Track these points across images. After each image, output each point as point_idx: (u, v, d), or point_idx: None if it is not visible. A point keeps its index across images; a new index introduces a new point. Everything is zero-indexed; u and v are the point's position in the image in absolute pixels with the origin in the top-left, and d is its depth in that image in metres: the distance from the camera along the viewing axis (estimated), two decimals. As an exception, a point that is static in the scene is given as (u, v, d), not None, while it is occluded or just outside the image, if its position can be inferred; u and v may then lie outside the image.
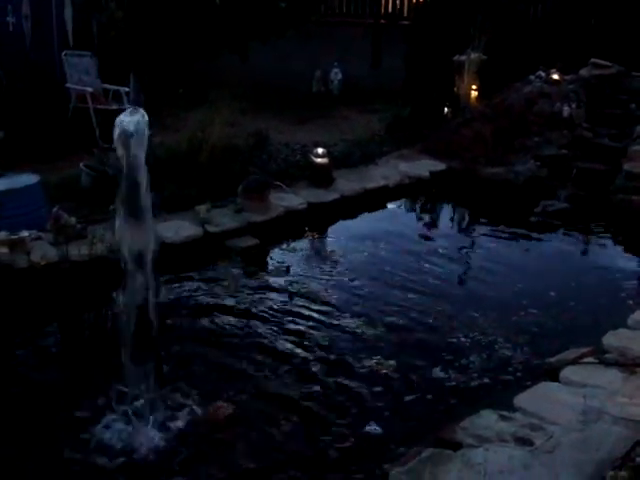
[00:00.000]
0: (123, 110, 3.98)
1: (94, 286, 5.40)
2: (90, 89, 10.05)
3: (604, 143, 10.34)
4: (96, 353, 4.88)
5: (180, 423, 4.29)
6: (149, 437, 4.14)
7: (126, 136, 3.72)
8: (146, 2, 10.20)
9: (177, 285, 6.32)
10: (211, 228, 7.11)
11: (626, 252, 7.92)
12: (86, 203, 7.18)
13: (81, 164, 7.86)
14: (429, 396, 4.74)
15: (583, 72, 11.81)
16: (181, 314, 5.82)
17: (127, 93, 10.29)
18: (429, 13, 13.84)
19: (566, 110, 10.61)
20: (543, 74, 11.44)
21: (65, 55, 10.37)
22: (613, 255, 7.79)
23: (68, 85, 10.28)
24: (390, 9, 15.59)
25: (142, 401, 4.30)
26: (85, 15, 11.12)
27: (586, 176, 9.61)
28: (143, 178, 3.89)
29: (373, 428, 4.32)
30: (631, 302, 6.12)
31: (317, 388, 4.77)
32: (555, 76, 11.26)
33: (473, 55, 11.71)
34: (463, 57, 11.82)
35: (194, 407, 4.43)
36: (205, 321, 5.71)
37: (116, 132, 3.75)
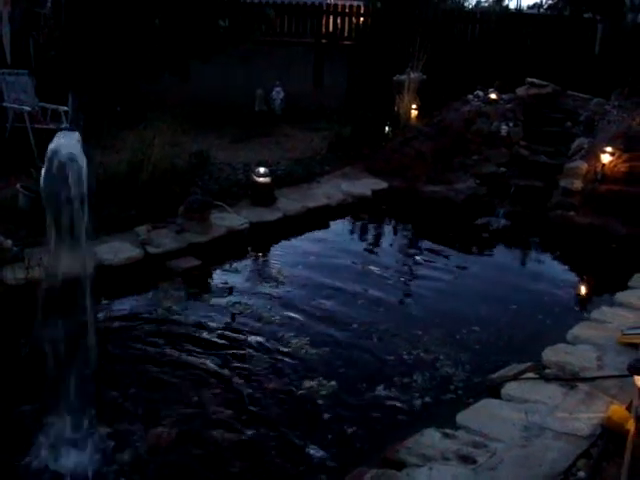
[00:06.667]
0: (62, 129, 3.89)
1: (30, 311, 5.25)
2: (28, 108, 9.85)
3: (541, 160, 10.57)
4: (32, 380, 4.74)
5: (121, 450, 4.19)
6: (86, 465, 4.03)
7: (59, 159, 3.65)
8: (85, 23, 10.07)
9: (117, 308, 6.20)
10: (152, 249, 7.02)
11: (564, 267, 8.09)
12: (23, 225, 7.00)
13: (18, 185, 7.68)
14: (373, 415, 4.73)
15: (520, 91, 12.09)
16: (121, 338, 5.70)
17: (66, 112, 10.12)
18: (370, 34, 14.05)
19: (504, 129, 10.82)
20: (481, 93, 11.67)
21: (2, 74, 10.15)
22: (551, 271, 7.93)
23: (5, 104, 10.06)
24: (331, 29, 15.71)
25: (80, 429, 4.19)
26: (22, 33, 10.92)
27: (524, 193, 9.81)
28: (78, 201, 3.81)
29: (316, 451, 4.29)
30: (569, 317, 6.23)
31: (259, 412, 4.72)
32: (493, 95, 11.50)
33: (413, 75, 11.89)
34: (403, 77, 11.99)
35: (135, 433, 4.34)
36: (145, 344, 5.59)
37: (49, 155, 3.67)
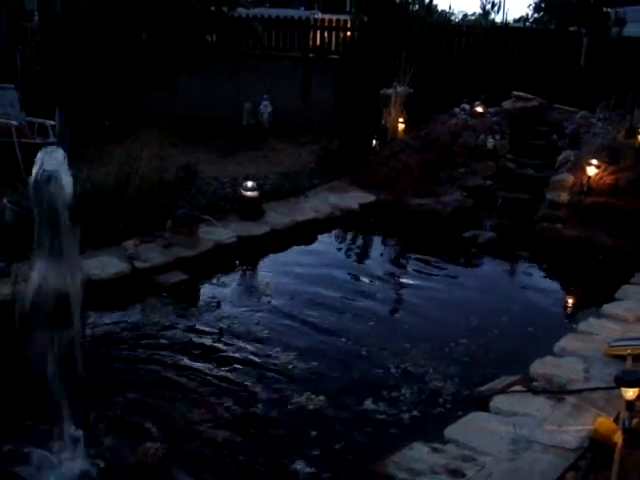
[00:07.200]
0: (48, 144, 3.90)
1: (18, 326, 5.22)
2: (15, 123, 9.82)
3: (527, 173, 10.62)
4: (20, 394, 4.72)
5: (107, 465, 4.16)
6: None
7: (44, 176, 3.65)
8: (72, 37, 10.07)
9: (104, 323, 6.17)
10: (139, 264, 7.00)
11: (551, 280, 8.12)
12: (10, 240, 6.97)
13: (4, 200, 7.65)
14: (361, 430, 4.72)
15: (506, 104, 12.15)
16: (108, 352, 5.67)
17: (53, 127, 10.10)
18: (357, 48, 14.10)
19: (490, 142, 10.87)
20: (467, 107, 11.72)
21: (-11, 88, 10.13)
22: (538, 283, 7.94)
23: (-8, 119, 10.03)
24: (319, 43, 15.78)
25: (68, 442, 4.17)
26: (9, 47, 10.93)
27: (511, 206, 9.84)
28: (64, 215, 3.80)
29: (304, 467, 4.27)
30: (557, 329, 6.24)
31: (247, 427, 4.70)
32: (479, 109, 11.55)
33: (400, 88, 11.94)
34: (390, 90, 12.03)
35: (122, 448, 4.31)
36: (133, 358, 5.58)
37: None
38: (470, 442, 4.21)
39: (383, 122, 11.90)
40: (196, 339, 5.94)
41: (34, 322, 4.10)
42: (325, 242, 9.02)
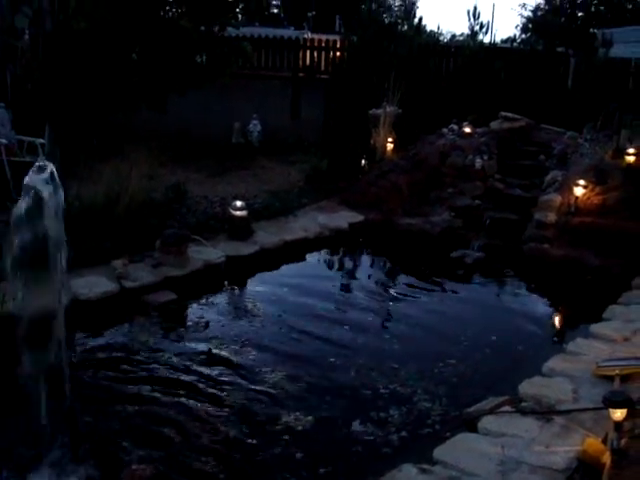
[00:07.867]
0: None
1: (4, 346, 5.20)
2: (4, 141, 9.78)
3: (515, 193, 10.66)
4: (7, 416, 4.69)
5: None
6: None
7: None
8: (62, 56, 10.08)
9: (92, 343, 6.14)
10: (128, 283, 6.98)
11: (538, 300, 8.14)
12: (-2, 259, 6.93)
13: (-7, 219, 7.61)
14: (350, 451, 4.71)
15: (494, 125, 12.23)
16: (95, 373, 5.64)
17: (42, 145, 10.08)
18: (346, 68, 14.18)
19: (478, 162, 10.92)
20: (456, 127, 11.79)
21: (-21, 107, 10.10)
22: (526, 303, 7.97)
23: (-19, 138, 9.99)
24: (308, 63, 15.86)
25: (54, 465, 4.14)
26: (-1, 66, 10.93)
27: (499, 226, 9.88)
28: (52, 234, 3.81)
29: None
30: (545, 350, 6.26)
31: (236, 449, 4.69)
32: (467, 129, 11.62)
33: (389, 108, 12.00)
34: (379, 110, 12.10)
35: (109, 471, 4.29)
36: (120, 379, 5.55)
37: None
38: (458, 463, 4.21)
39: (372, 142, 11.97)
40: (184, 359, 5.92)
41: (20, 342, 4.10)
42: (314, 262, 9.04)
